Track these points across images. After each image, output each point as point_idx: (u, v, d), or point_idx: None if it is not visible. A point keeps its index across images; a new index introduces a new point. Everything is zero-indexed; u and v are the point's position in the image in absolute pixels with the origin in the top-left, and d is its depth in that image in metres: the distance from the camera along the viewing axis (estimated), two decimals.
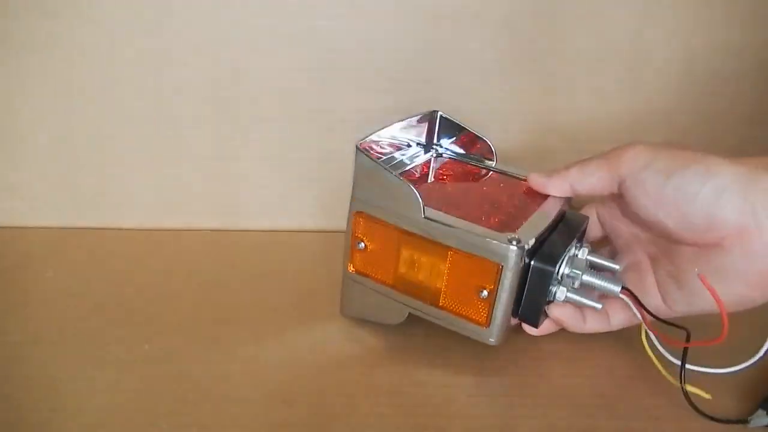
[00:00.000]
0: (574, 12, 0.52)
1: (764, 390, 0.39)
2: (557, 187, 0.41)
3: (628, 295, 0.40)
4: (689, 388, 0.37)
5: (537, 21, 0.52)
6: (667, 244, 0.40)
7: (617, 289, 0.39)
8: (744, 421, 0.37)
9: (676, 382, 0.37)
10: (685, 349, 0.37)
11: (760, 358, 0.35)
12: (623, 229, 0.44)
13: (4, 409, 0.37)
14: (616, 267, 0.41)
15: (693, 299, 0.38)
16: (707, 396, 0.37)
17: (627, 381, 0.41)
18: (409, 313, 0.42)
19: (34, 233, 0.56)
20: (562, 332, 0.40)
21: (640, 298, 0.41)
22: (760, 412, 0.37)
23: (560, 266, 0.39)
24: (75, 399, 0.38)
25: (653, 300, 0.40)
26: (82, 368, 0.40)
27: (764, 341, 0.35)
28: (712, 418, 0.37)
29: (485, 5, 0.51)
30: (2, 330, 0.43)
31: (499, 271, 0.37)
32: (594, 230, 0.46)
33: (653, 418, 0.38)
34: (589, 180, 0.40)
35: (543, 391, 0.40)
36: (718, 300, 0.35)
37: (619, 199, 0.41)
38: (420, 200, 0.38)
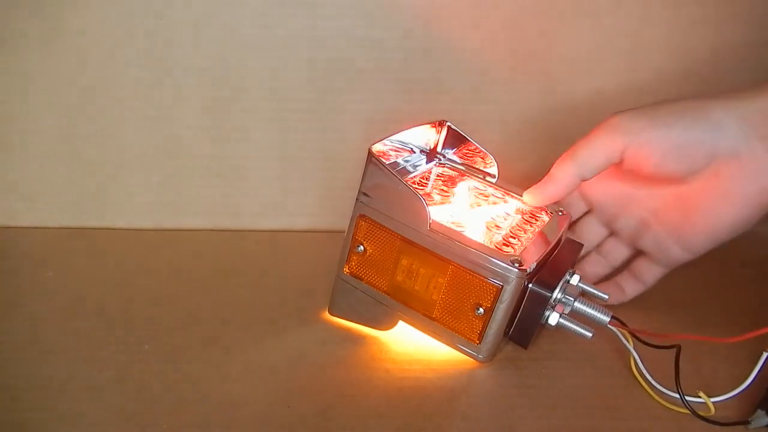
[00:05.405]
0: (574, 12, 0.52)
1: (762, 391, 0.39)
2: (562, 182, 0.41)
3: (617, 326, 0.40)
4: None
5: (537, 21, 0.52)
6: (667, 191, 0.42)
7: (606, 319, 0.40)
8: (744, 423, 0.37)
9: (668, 406, 0.38)
10: (677, 357, 0.38)
11: (751, 382, 0.37)
12: (615, 195, 0.45)
13: (4, 409, 0.37)
14: (605, 296, 0.42)
15: (708, 231, 0.41)
16: (712, 410, 0.37)
17: (627, 381, 0.41)
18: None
19: (34, 233, 0.56)
20: (562, 332, 0.40)
21: (657, 253, 0.44)
22: (760, 412, 0.37)
23: (556, 292, 0.39)
24: (75, 399, 0.38)
25: (671, 251, 0.43)
26: (82, 368, 0.40)
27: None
28: (712, 421, 0.37)
29: (485, 5, 0.51)
30: (2, 330, 0.43)
31: (499, 291, 0.37)
32: (577, 207, 0.47)
33: (653, 418, 0.38)
34: (598, 158, 0.40)
35: (543, 391, 0.40)
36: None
37: (614, 166, 0.41)
38: (428, 212, 0.38)
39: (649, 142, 0.38)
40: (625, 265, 0.48)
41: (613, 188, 0.45)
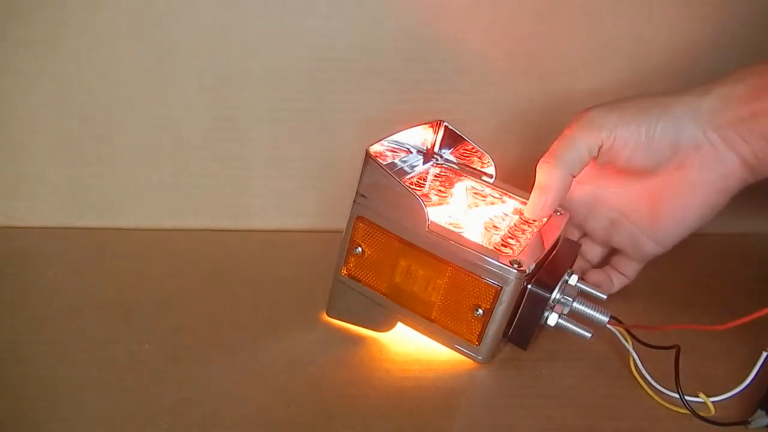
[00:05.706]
0: (574, 12, 0.52)
1: (762, 390, 0.39)
2: (556, 186, 0.41)
3: (615, 325, 0.40)
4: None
5: (537, 21, 0.52)
6: (634, 188, 0.44)
7: (605, 319, 0.40)
8: (744, 423, 0.37)
9: (668, 406, 0.39)
10: (677, 358, 0.38)
11: (750, 382, 0.37)
12: (581, 197, 0.46)
13: (4, 409, 0.37)
14: (603, 296, 0.42)
15: (678, 220, 0.43)
16: (712, 410, 0.37)
17: (627, 381, 0.41)
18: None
19: (34, 233, 0.56)
20: (561, 333, 0.40)
21: (630, 249, 0.45)
22: (760, 412, 0.37)
23: (555, 292, 0.39)
24: (75, 399, 0.38)
25: (644, 245, 0.45)
26: (82, 368, 0.40)
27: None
28: (712, 422, 0.37)
29: (485, 5, 0.51)
30: (2, 330, 0.43)
31: (498, 292, 0.37)
32: None
33: (653, 418, 0.38)
34: (581, 152, 0.41)
35: (543, 391, 0.40)
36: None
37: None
38: (426, 214, 0.38)
39: (622, 137, 0.41)
40: (605, 262, 0.50)
41: (580, 191, 0.46)
